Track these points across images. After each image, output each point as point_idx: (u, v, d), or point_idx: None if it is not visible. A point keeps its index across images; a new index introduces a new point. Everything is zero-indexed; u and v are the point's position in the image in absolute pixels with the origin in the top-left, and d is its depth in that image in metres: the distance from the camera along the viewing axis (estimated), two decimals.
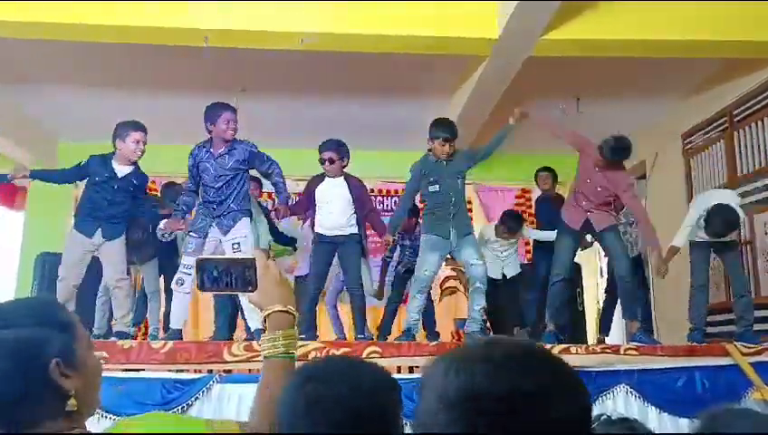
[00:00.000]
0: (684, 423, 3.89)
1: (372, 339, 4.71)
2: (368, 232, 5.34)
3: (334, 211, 4.75)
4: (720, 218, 4.56)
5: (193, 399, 3.82)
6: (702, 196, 5.06)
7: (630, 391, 4.06)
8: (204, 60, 5.41)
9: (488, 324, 5.10)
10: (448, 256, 5.00)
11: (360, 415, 1.13)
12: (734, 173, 5.83)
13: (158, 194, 6.25)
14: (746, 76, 5.70)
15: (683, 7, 4.89)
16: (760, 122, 5.61)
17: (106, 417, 3.49)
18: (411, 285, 4.83)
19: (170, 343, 4.14)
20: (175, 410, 3.73)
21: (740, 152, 5.84)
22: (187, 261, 4.37)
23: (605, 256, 5.40)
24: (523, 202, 7.84)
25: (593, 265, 7.79)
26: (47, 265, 5.78)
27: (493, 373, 0.71)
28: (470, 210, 6.52)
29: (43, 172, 4.80)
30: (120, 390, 3.73)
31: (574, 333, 5.64)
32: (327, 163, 4.77)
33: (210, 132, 4.48)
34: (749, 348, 4.35)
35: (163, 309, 5.41)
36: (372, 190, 7.36)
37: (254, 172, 4.86)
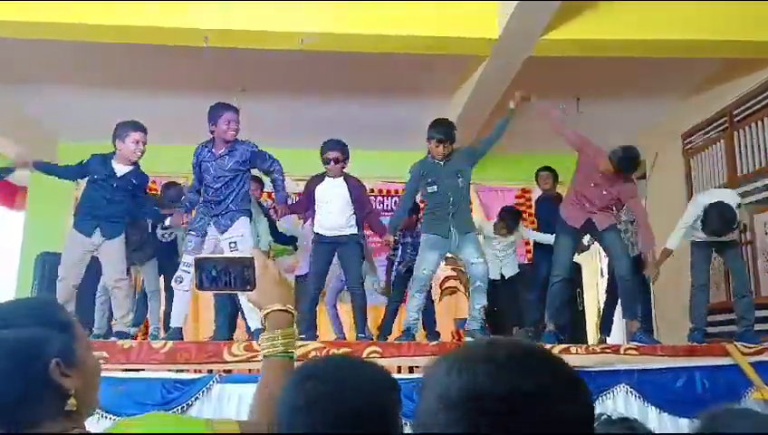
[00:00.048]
0: (684, 423, 3.89)
1: (372, 339, 4.71)
2: (368, 232, 5.35)
3: (333, 211, 4.75)
4: (717, 216, 4.56)
5: (193, 399, 3.82)
6: (701, 195, 5.06)
7: (630, 391, 4.06)
8: (204, 60, 5.41)
9: (487, 324, 5.10)
10: (449, 255, 5.01)
11: (359, 414, 1.13)
12: (734, 173, 5.84)
13: (158, 194, 6.24)
14: (746, 76, 5.70)
15: (683, 7, 4.89)
16: (760, 122, 5.61)
17: (106, 417, 3.50)
18: (410, 284, 4.83)
19: (170, 343, 4.14)
20: (175, 410, 3.73)
21: (740, 152, 5.84)
22: (187, 259, 4.39)
23: (605, 255, 5.39)
24: (523, 202, 7.84)
25: (593, 266, 7.79)
26: (47, 265, 5.78)
27: (494, 374, 0.71)
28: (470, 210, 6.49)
29: (45, 165, 4.74)
30: (121, 390, 3.74)
31: (574, 333, 5.64)
32: (332, 163, 4.76)
33: (213, 132, 4.48)
34: (749, 348, 4.35)
35: (163, 308, 5.42)
36: (372, 190, 7.37)
37: (256, 172, 4.87)
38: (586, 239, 5.31)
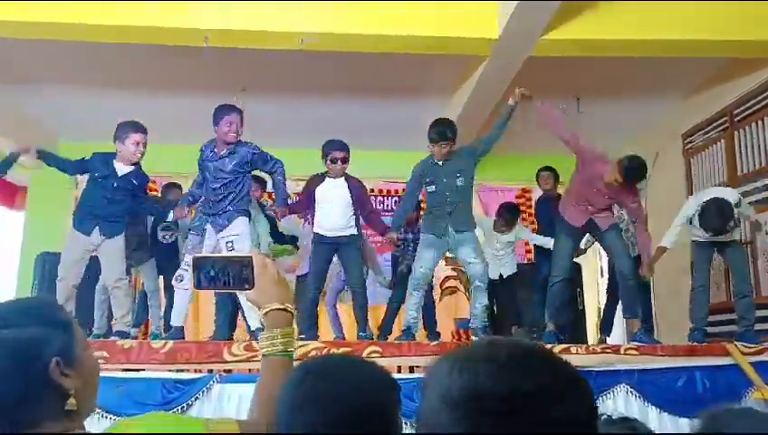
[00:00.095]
0: (684, 423, 3.89)
1: (373, 338, 4.71)
2: (370, 231, 5.36)
3: (334, 212, 4.75)
4: (714, 212, 4.56)
5: (193, 399, 3.82)
6: (698, 193, 5.07)
7: (631, 391, 4.06)
8: (204, 60, 5.41)
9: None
10: (449, 254, 5.00)
11: (359, 414, 1.13)
12: (735, 173, 5.84)
13: (159, 194, 6.24)
14: (747, 76, 5.70)
15: (683, 7, 4.89)
16: (760, 122, 5.61)
17: (106, 417, 3.50)
18: (409, 283, 4.84)
19: (170, 343, 4.14)
20: (175, 410, 3.73)
21: (740, 152, 5.84)
22: (188, 258, 4.40)
23: (606, 255, 5.39)
24: (523, 202, 7.83)
25: (594, 265, 7.79)
26: (47, 265, 5.78)
27: (496, 373, 0.71)
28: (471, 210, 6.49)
29: (48, 154, 4.70)
30: (121, 390, 3.73)
31: (574, 333, 5.64)
32: (340, 163, 4.75)
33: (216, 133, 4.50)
34: (749, 348, 4.35)
35: (163, 308, 5.42)
36: (372, 190, 7.36)
37: (258, 172, 4.86)
38: (583, 243, 5.32)
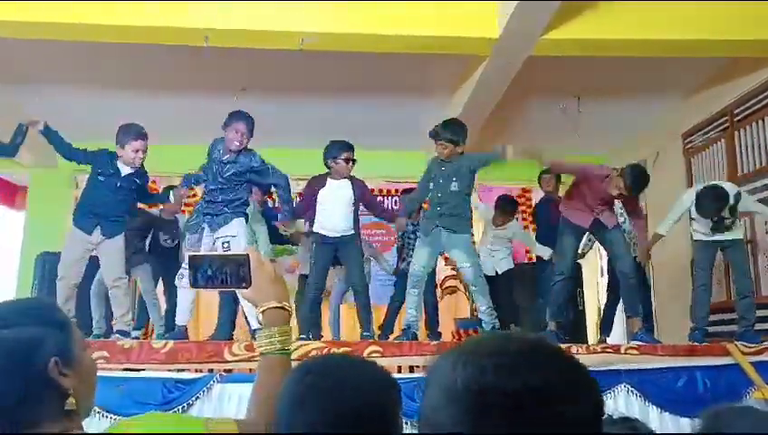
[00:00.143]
0: (685, 423, 3.89)
1: (374, 337, 4.72)
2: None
3: (336, 213, 4.76)
4: (708, 197, 4.61)
5: (194, 398, 3.82)
6: (698, 184, 5.10)
7: (631, 391, 4.06)
8: (204, 60, 5.40)
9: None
10: (447, 255, 5.01)
11: (359, 413, 1.13)
12: (735, 172, 5.83)
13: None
14: (747, 76, 5.70)
15: (683, 7, 4.89)
16: (761, 121, 5.61)
17: (107, 417, 3.50)
18: (407, 282, 4.86)
19: (171, 343, 4.14)
20: (175, 409, 3.73)
21: (740, 152, 5.84)
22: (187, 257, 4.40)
23: (607, 254, 5.40)
24: (523, 202, 7.83)
25: (594, 264, 7.79)
26: (47, 265, 5.80)
27: (502, 368, 0.70)
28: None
29: (55, 133, 4.55)
30: (121, 389, 3.73)
31: (575, 332, 5.64)
32: (351, 163, 4.77)
33: None
34: (750, 347, 4.35)
35: (164, 309, 5.44)
36: (373, 190, 7.35)
37: None
38: (582, 245, 5.33)
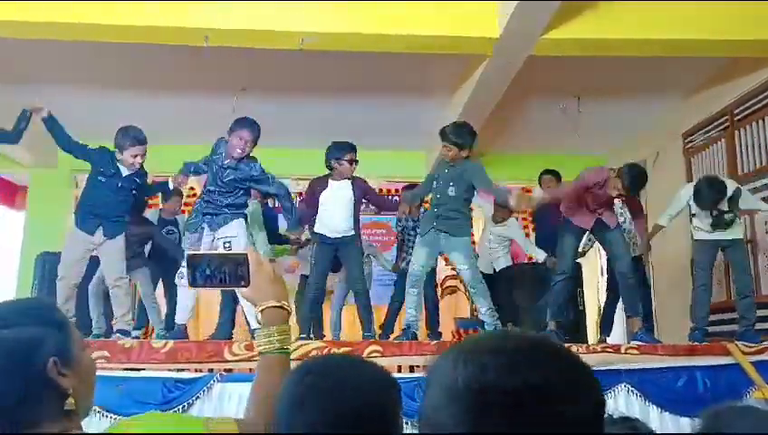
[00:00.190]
0: (685, 422, 3.89)
1: (375, 337, 4.72)
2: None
3: (338, 214, 4.77)
4: (705, 186, 4.64)
5: (194, 398, 3.82)
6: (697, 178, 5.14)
7: (631, 390, 4.06)
8: (204, 60, 5.40)
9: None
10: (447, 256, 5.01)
11: (359, 413, 1.12)
12: (735, 172, 5.83)
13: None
14: (747, 75, 5.70)
15: (683, 7, 4.89)
16: (761, 121, 5.61)
17: (107, 416, 3.50)
18: (406, 281, 4.87)
19: (171, 343, 4.14)
20: (176, 409, 3.73)
21: (741, 151, 5.84)
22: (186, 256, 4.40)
23: (606, 254, 5.40)
24: None
25: (594, 264, 7.79)
26: (47, 265, 5.80)
27: (502, 366, 0.69)
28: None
29: (56, 125, 4.48)
30: (121, 389, 3.73)
31: (575, 332, 5.63)
32: (354, 164, 4.78)
33: None
34: (750, 347, 4.34)
35: (163, 309, 5.44)
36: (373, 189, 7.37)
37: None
38: (582, 245, 5.34)
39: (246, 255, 1.27)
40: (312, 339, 4.56)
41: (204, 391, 3.85)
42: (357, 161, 4.78)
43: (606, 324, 5.77)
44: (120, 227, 4.53)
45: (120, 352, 4.04)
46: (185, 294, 4.57)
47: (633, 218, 5.16)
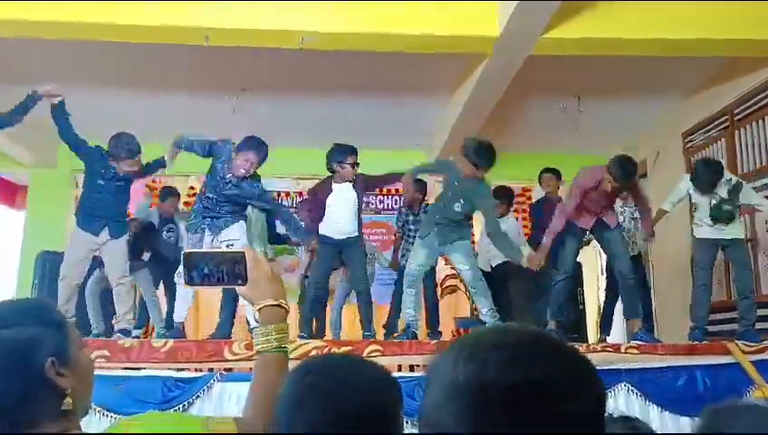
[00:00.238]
0: (685, 422, 3.89)
1: (374, 337, 4.73)
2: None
3: (343, 217, 4.77)
4: (703, 166, 4.69)
5: (194, 397, 3.82)
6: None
7: (631, 390, 4.06)
8: (204, 59, 5.40)
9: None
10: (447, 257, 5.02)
11: (359, 413, 1.12)
12: (735, 171, 5.81)
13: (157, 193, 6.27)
14: (747, 75, 5.70)
15: (683, 6, 4.88)
16: (761, 121, 5.60)
17: (107, 415, 3.49)
18: (404, 281, 4.87)
19: (171, 342, 4.14)
20: (176, 408, 3.73)
21: (741, 151, 5.84)
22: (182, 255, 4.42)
23: (605, 254, 5.40)
24: (523, 201, 7.83)
25: (594, 264, 7.79)
26: (47, 264, 5.80)
27: (504, 362, 0.69)
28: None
29: (62, 116, 4.53)
30: (121, 388, 3.74)
31: (575, 331, 5.64)
32: (356, 167, 4.78)
33: None
34: (750, 346, 4.34)
35: (164, 309, 5.45)
36: (373, 190, 7.36)
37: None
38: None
39: (244, 253, 1.27)
40: (310, 338, 4.56)
41: (204, 390, 3.85)
42: (358, 164, 4.79)
43: (605, 323, 5.77)
44: (123, 228, 4.61)
45: (120, 351, 4.04)
46: (184, 293, 4.58)
47: (639, 206, 5.13)
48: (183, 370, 4.09)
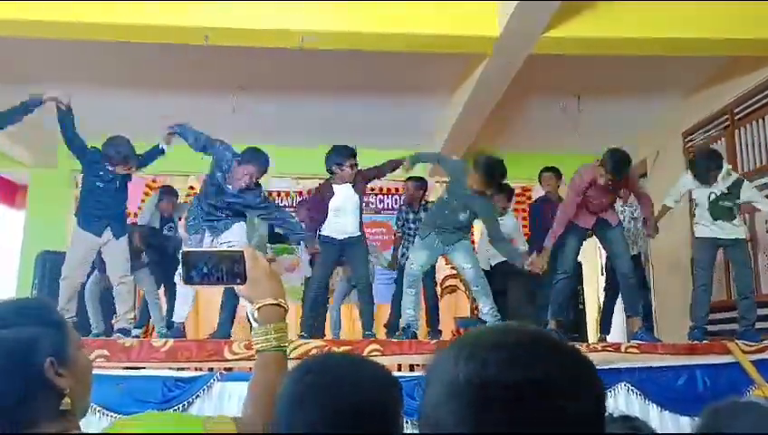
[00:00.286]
0: (685, 421, 3.89)
1: (375, 336, 4.73)
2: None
3: (345, 219, 4.79)
4: (702, 155, 4.73)
5: (194, 397, 3.82)
6: None
7: (631, 389, 4.06)
8: (204, 58, 5.40)
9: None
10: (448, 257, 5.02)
11: (359, 412, 1.12)
12: (736, 171, 5.81)
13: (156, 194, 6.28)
14: (747, 74, 5.70)
15: (683, 6, 4.89)
16: (761, 120, 5.60)
17: (107, 415, 3.49)
18: (404, 281, 4.87)
19: (171, 342, 4.14)
20: (176, 408, 3.73)
21: (741, 150, 5.84)
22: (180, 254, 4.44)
23: (606, 253, 5.40)
24: (523, 201, 7.83)
25: (594, 263, 7.78)
26: (47, 264, 5.81)
27: (504, 360, 0.68)
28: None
29: (66, 117, 4.54)
30: (121, 388, 3.74)
31: (575, 331, 5.64)
32: (355, 169, 4.79)
33: None
34: (750, 346, 4.34)
35: (165, 310, 5.46)
36: (373, 189, 7.36)
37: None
38: None
39: (243, 252, 1.27)
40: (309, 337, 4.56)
41: (204, 390, 3.85)
42: (357, 165, 4.79)
43: (605, 322, 5.77)
44: (124, 228, 4.65)
45: (120, 351, 4.04)
46: (183, 292, 4.59)
47: (638, 200, 5.13)
48: (183, 369, 4.10)
